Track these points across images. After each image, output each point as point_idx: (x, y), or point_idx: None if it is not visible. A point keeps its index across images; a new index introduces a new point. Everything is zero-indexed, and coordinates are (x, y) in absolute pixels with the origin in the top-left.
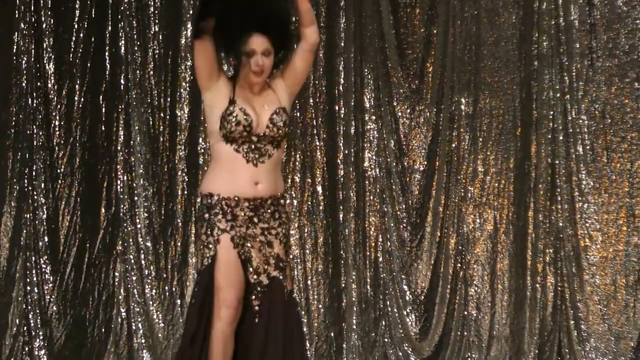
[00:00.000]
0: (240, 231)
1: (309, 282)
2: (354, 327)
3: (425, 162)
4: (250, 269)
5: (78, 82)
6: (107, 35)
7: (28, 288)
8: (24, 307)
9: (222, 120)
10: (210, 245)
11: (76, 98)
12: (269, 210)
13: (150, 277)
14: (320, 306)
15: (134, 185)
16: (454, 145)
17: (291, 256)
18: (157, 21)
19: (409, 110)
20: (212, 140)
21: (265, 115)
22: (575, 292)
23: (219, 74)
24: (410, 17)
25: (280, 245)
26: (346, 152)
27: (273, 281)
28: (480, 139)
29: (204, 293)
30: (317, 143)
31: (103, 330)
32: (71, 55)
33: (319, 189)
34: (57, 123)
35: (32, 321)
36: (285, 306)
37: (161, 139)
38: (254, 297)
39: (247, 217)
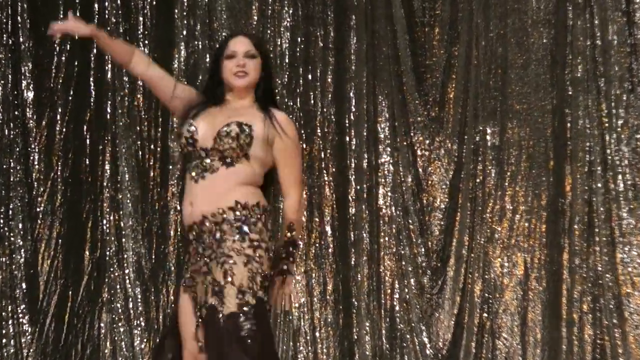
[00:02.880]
0: (191, 270)
1: (317, 334)
2: None
3: (447, 199)
4: (197, 306)
5: (60, 110)
6: (92, 58)
7: (4, 340)
8: None
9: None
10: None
11: (57, 128)
12: (211, 232)
13: (139, 329)
14: None
15: (122, 225)
16: (478, 180)
17: (240, 271)
18: (146, 42)
19: (427, 141)
20: None
21: (218, 128)
22: (616, 345)
23: (191, 102)
24: (429, 37)
25: (218, 266)
26: (358, 188)
27: (208, 310)
28: (508, 173)
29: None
30: (326, 178)
31: None
32: (52, 81)
33: (328, 229)
34: (36, 156)
35: None
36: (220, 334)
37: (151, 173)
38: (198, 333)
39: (195, 250)
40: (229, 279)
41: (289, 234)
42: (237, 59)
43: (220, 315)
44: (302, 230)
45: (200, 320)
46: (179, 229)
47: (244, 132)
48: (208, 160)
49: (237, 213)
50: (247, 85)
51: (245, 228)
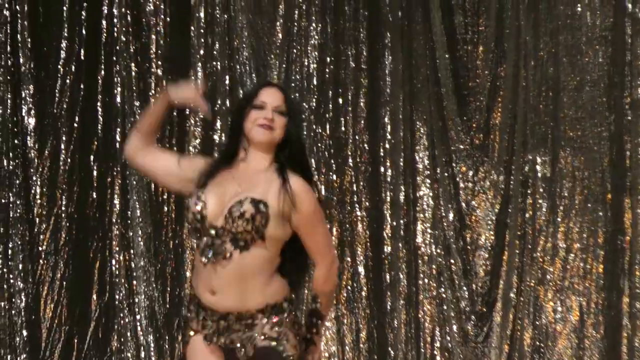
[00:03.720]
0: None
1: None
2: None
3: (493, 237)
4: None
5: (64, 138)
6: (100, 81)
7: None
8: None
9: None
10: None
11: (62, 158)
12: (236, 328)
13: None
14: None
15: (133, 265)
16: (527, 215)
17: None
18: (159, 63)
19: (471, 172)
20: None
21: (229, 204)
22: None
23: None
24: (472, 56)
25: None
26: (394, 224)
27: (261, 350)
28: (561, 207)
29: None
30: (358, 213)
31: None
32: (55, 106)
33: (361, 270)
34: (38, 190)
35: None
36: None
37: (165, 208)
38: None
39: (214, 326)
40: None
41: (313, 305)
42: (265, 111)
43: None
44: (331, 302)
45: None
46: None
47: (260, 211)
48: (219, 242)
49: (268, 315)
50: (270, 142)
51: (283, 343)
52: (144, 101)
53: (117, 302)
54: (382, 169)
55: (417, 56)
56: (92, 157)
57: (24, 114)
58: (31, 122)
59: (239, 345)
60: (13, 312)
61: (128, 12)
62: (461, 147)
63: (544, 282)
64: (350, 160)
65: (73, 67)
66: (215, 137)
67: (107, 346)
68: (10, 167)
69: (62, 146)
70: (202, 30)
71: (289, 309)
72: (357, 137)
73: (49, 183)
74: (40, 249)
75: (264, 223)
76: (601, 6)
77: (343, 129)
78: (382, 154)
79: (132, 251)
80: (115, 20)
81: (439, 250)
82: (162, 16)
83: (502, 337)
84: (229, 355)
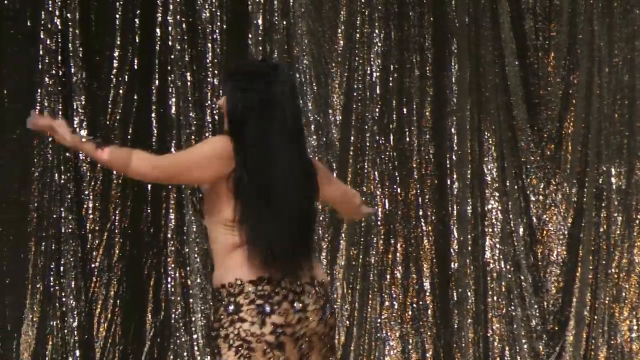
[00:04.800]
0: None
1: None
2: None
3: (565, 252)
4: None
5: None
6: (154, 91)
7: None
8: None
9: None
10: None
11: (115, 172)
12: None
13: None
14: None
15: (189, 283)
16: (602, 229)
17: None
18: (216, 73)
19: (542, 185)
20: None
21: None
22: None
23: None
24: (543, 63)
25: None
26: (461, 239)
27: None
28: (637, 221)
29: None
30: (424, 228)
31: None
32: (108, 117)
33: (427, 287)
34: (90, 204)
35: None
36: None
37: None
38: None
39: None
40: None
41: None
42: None
43: None
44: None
45: None
46: None
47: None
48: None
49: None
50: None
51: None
52: (199, 112)
53: (172, 321)
54: (449, 182)
55: (485, 63)
56: None
57: (75, 126)
58: (83, 134)
59: None
60: (65, 331)
61: (183, 19)
62: (532, 158)
63: (619, 299)
64: (415, 172)
65: (126, 77)
66: None
67: None
68: (62, 182)
69: None
70: (259, 38)
71: (227, 301)
72: (422, 149)
73: (101, 197)
74: (93, 265)
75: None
76: None
77: (408, 139)
78: (448, 165)
79: (188, 268)
80: (169, 27)
81: (508, 267)
82: (218, 23)
83: (574, 358)
84: None
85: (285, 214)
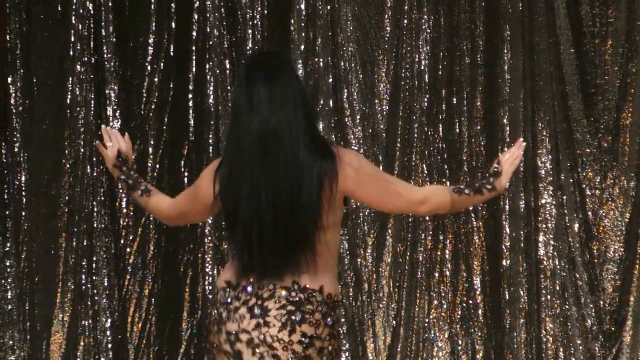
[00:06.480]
0: None
1: None
2: None
3: (623, 249)
4: None
5: (152, 142)
6: (191, 79)
7: None
8: None
9: None
10: None
11: (149, 164)
12: None
13: None
14: None
15: None
16: None
17: None
18: None
19: (599, 178)
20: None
21: None
22: None
23: None
24: (599, 50)
25: None
26: (513, 235)
27: None
28: None
29: None
30: (474, 223)
31: None
32: (142, 106)
33: (477, 285)
34: (124, 198)
35: None
36: None
37: None
38: None
39: None
40: None
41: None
42: None
43: None
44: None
45: None
46: None
47: None
48: None
49: None
50: None
51: None
52: None
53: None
54: None
55: (539, 51)
56: (182, 162)
57: (109, 115)
58: (116, 124)
59: None
60: (98, 331)
61: (222, 3)
62: (588, 150)
63: None
64: (465, 165)
65: (162, 64)
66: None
67: None
68: (95, 175)
69: (150, 150)
70: (302, 24)
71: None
72: (473, 140)
73: None
74: (126, 263)
75: None
76: None
77: (457, 131)
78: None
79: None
80: (207, 13)
81: (562, 264)
82: (259, 8)
83: (632, 359)
84: None
85: (248, 231)
